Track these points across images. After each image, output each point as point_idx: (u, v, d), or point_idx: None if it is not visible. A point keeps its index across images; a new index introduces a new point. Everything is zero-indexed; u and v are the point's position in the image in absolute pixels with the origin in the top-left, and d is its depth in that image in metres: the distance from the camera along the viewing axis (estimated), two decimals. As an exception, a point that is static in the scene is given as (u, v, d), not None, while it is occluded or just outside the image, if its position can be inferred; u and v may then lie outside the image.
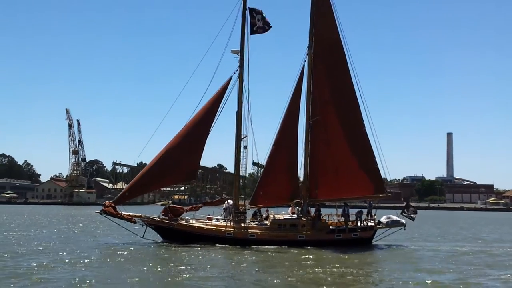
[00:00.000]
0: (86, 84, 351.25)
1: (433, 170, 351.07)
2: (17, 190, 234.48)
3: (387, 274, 27.71)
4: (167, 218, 40.15)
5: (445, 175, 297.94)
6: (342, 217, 40.37)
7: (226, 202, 42.49)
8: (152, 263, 29.51)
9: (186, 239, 38.78)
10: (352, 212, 40.89)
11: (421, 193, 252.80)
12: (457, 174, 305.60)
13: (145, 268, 27.62)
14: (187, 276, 25.67)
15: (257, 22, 40.70)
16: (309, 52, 41.24)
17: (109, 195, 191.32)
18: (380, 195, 41.81)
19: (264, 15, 40.80)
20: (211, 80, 41.13)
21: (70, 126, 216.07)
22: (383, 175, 41.41)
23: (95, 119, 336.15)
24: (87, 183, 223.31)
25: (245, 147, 41.34)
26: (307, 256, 33.84)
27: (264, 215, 41.63)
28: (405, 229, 42.01)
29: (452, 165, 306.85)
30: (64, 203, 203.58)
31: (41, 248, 36.30)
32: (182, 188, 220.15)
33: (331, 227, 40.09)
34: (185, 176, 42.52)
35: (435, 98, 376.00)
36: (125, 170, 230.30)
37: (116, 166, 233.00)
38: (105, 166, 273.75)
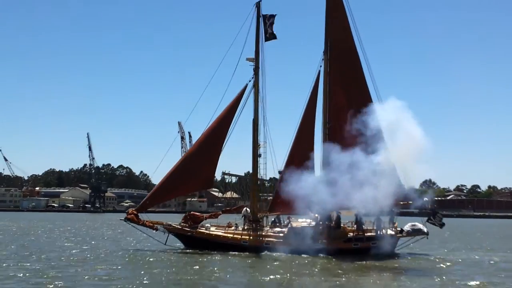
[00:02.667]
0: (195, 95, 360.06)
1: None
2: (134, 200, 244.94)
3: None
4: (187, 225, 40.93)
5: None
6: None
7: (244, 209, 42.68)
8: (165, 270, 30.48)
9: (204, 247, 39.36)
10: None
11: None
12: None
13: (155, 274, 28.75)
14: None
15: (268, 29, 40.74)
16: (324, 57, 40.67)
17: (219, 204, 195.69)
18: (401, 202, 40.27)
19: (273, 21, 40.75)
20: (226, 88, 41.71)
21: (182, 138, 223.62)
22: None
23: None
24: (199, 192, 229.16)
25: (260, 156, 41.42)
26: (319, 265, 33.61)
27: (285, 222, 41.36)
28: (427, 238, 40.12)
29: None
30: (178, 211, 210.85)
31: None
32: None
33: (349, 235, 39.11)
34: (202, 184, 43.24)
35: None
36: (234, 180, 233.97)
37: (226, 176, 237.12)
38: (215, 176, 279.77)
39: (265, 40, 41.05)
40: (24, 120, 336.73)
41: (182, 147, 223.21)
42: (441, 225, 40.09)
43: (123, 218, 41.56)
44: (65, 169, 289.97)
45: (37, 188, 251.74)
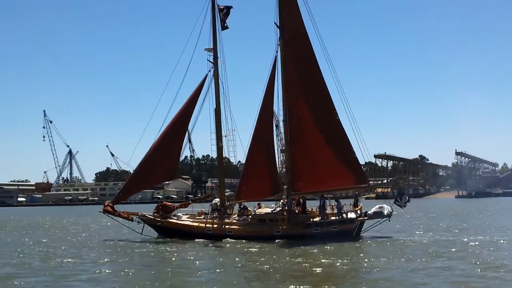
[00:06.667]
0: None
1: None
2: (234, 189, 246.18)
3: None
4: (158, 215, 42.14)
5: None
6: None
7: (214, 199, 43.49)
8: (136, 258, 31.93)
9: (174, 235, 40.47)
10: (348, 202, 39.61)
11: None
12: None
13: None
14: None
15: (223, 17, 40.86)
16: (280, 42, 40.28)
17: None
18: (362, 185, 39.51)
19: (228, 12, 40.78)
20: (182, 80, 42.45)
21: (277, 126, 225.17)
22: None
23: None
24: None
25: (225, 136, 42.01)
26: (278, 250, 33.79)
27: (255, 209, 41.63)
28: (389, 221, 39.11)
29: None
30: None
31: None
32: (385, 181, 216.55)
33: (312, 220, 38.71)
34: (165, 175, 44.05)
35: None
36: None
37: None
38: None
39: (222, 29, 41.25)
40: (128, 116, 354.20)
41: (277, 136, 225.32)
42: (404, 206, 39.05)
43: (101, 210, 43.26)
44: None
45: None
